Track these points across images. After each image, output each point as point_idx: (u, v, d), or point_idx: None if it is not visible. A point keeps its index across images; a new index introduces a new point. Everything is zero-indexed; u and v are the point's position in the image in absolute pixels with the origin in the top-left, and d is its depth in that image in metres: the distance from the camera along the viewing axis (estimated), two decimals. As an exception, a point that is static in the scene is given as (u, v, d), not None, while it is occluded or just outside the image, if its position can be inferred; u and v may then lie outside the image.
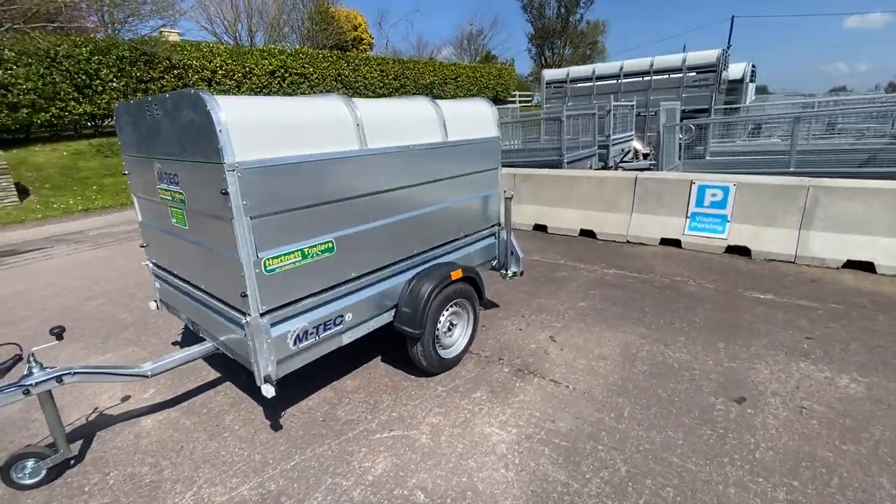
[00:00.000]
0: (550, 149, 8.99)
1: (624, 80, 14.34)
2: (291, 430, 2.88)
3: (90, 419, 3.10)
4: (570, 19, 41.63)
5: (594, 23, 44.71)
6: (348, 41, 26.73)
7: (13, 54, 12.29)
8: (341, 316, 2.75)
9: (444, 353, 3.37)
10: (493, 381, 3.30)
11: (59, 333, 2.46)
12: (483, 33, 41.13)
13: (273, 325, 2.40)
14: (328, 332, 2.69)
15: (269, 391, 2.36)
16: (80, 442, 2.88)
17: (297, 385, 3.31)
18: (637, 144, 12.07)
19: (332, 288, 2.67)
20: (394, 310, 3.14)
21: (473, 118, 3.62)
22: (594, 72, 14.73)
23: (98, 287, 5.65)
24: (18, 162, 12.14)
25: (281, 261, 2.36)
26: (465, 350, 3.56)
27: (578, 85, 15.15)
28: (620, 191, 6.63)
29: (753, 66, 16.04)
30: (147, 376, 2.69)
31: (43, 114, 12.99)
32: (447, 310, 3.33)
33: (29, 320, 4.77)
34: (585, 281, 5.19)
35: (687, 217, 6.11)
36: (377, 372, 3.48)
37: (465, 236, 3.70)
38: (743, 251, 5.73)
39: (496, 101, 29.50)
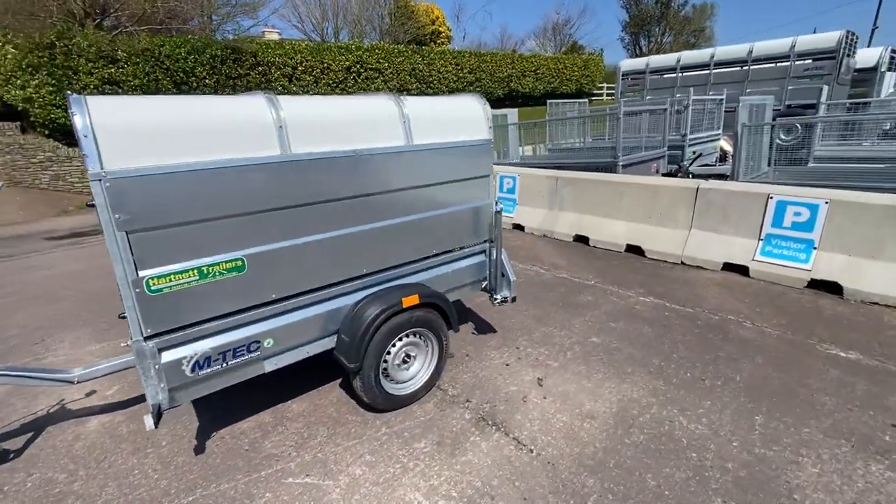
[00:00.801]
0: (605, 148, 7.96)
1: (715, 71, 12.32)
2: (211, 457, 2.66)
3: (51, 411, 3.17)
4: (672, 4, 37.79)
5: (701, 6, 40.14)
6: (426, 35, 26.79)
7: (124, 54, 13.94)
8: (257, 342, 2.45)
9: (395, 389, 2.94)
10: (446, 430, 2.80)
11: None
12: (570, 22, 38.98)
13: (163, 349, 2.17)
14: (239, 360, 2.41)
15: (148, 423, 2.13)
16: (30, 435, 2.93)
17: (238, 402, 3.10)
18: (725, 144, 10.39)
19: (245, 311, 2.38)
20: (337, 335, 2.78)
21: (455, 119, 3.11)
22: (679, 61, 12.87)
23: (137, 272, 6.03)
24: (124, 150, 13.78)
25: (170, 280, 2.11)
26: (428, 386, 3.10)
27: (660, 76, 13.40)
28: (677, 202, 5.61)
29: (894, 51, 12.98)
30: (73, 383, 2.63)
31: (147, 108, 14.60)
32: (400, 340, 2.90)
33: (66, 300, 5.20)
34: (611, 309, 4.40)
35: (760, 239, 4.97)
36: (329, 398, 3.16)
37: (443, 254, 3.22)
38: (832, 287, 4.49)
39: (580, 94, 27.82)
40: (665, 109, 7.85)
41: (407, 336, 2.93)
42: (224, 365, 2.36)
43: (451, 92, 22.92)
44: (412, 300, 2.80)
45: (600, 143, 10.53)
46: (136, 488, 2.46)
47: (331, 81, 18.74)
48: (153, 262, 2.05)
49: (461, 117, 3.15)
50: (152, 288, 2.07)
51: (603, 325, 4.08)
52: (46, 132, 13.00)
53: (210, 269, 2.21)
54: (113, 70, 13.73)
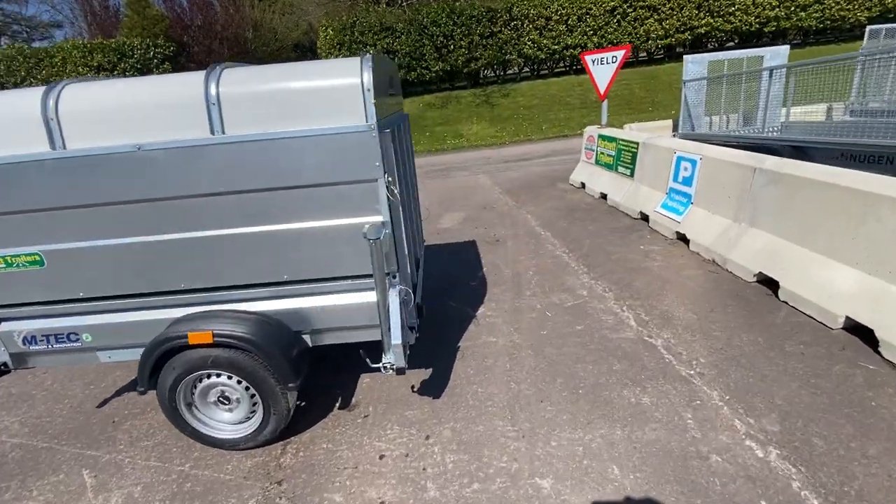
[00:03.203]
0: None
1: None
2: (94, 416, 2.99)
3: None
4: None
5: None
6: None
7: (401, 25, 16.23)
8: (76, 334, 2.48)
9: (206, 428, 2.50)
10: (214, 500, 2.22)
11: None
12: None
13: (-4, 321, 2.47)
14: (63, 345, 2.50)
15: (-22, 379, 2.52)
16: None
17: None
18: None
19: (59, 303, 2.42)
20: (169, 347, 2.54)
21: (312, 97, 2.11)
22: None
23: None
24: (390, 110, 16.50)
25: (-19, 264, 2.32)
26: (254, 439, 2.49)
27: None
28: None
29: None
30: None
31: (412, 72, 16.78)
32: (209, 377, 2.39)
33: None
34: (654, 439, 2.39)
35: None
36: (211, 401, 3.01)
37: (310, 282, 2.41)
38: None
39: None
40: None
41: (218, 376, 2.39)
42: (50, 346, 2.52)
43: (762, 26, 16.79)
44: (201, 337, 2.22)
45: None
46: (48, 415, 3.04)
47: (587, 28, 16.71)
48: (-35, 246, 2.30)
49: (323, 95, 2.11)
50: (-30, 268, 2.33)
51: (598, 465, 2.27)
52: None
53: (12, 259, 2.32)
54: (390, 40, 16.28)
